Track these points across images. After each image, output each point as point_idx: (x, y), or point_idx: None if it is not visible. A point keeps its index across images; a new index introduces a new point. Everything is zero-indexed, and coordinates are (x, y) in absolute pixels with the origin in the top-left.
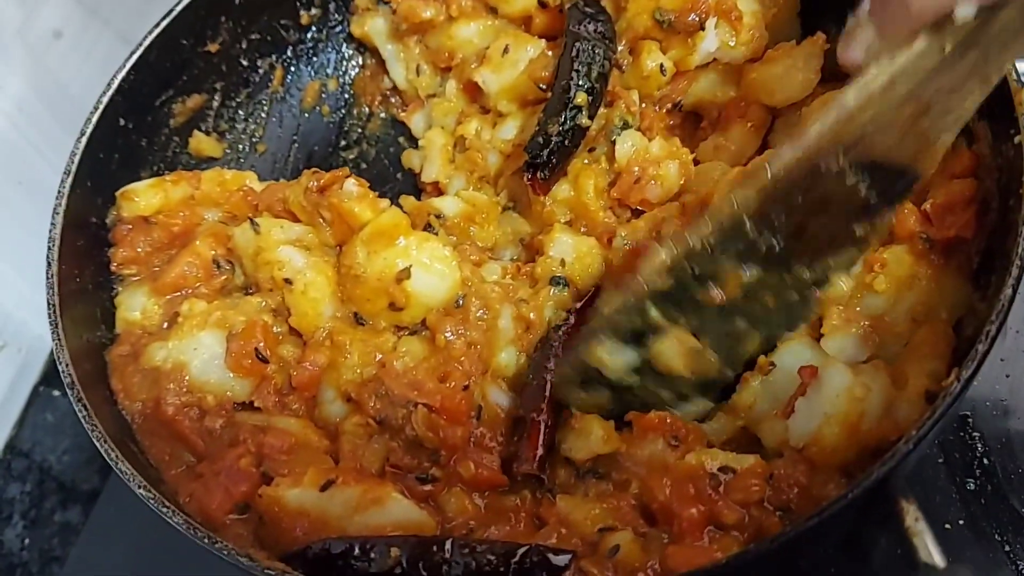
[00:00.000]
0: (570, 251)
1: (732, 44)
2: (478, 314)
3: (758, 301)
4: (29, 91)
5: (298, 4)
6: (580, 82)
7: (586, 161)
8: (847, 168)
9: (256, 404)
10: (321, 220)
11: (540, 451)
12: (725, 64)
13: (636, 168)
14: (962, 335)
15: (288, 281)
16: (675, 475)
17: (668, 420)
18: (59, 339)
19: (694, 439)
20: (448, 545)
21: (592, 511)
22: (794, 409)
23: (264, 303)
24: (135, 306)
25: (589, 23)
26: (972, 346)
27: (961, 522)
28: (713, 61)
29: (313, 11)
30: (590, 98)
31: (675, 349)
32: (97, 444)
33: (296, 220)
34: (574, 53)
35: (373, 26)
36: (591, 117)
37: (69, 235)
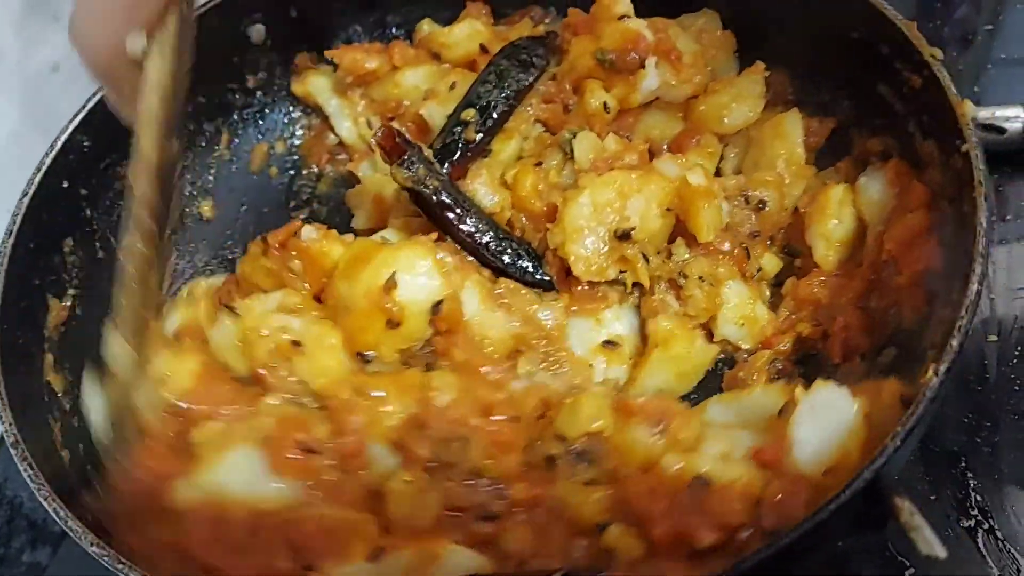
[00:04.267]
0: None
1: (673, 83)
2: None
3: None
4: (24, 121)
5: (244, 68)
6: (473, 100)
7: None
8: None
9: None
10: (292, 275)
11: None
12: (669, 102)
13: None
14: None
15: (296, 343)
16: (657, 481)
17: (653, 403)
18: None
19: (679, 424)
20: None
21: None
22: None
23: (278, 399)
24: None
25: (509, 52)
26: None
27: None
28: (657, 100)
29: (260, 74)
30: (480, 117)
31: None
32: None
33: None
34: (482, 76)
35: (315, 84)
36: (480, 134)
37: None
